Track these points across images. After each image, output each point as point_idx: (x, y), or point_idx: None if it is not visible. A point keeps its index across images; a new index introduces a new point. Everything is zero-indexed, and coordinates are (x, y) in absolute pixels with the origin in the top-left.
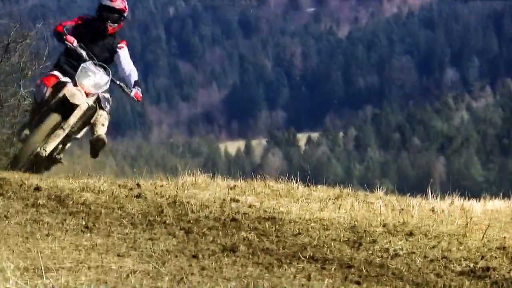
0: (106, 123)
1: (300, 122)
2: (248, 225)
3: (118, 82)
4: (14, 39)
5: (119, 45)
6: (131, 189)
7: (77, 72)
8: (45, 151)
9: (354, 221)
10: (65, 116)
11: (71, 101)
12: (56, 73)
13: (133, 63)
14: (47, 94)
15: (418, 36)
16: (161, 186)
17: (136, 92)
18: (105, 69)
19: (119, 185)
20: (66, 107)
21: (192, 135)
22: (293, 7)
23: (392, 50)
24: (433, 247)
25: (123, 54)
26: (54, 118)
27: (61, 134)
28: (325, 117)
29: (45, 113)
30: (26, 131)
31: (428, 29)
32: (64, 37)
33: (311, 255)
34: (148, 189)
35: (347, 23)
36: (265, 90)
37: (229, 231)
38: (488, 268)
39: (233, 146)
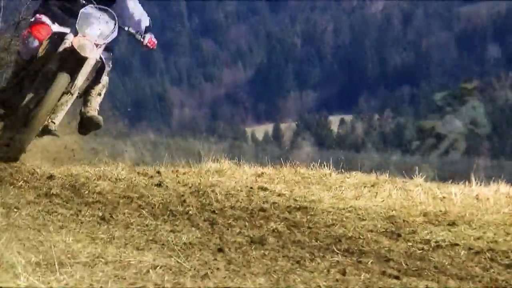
0: (104, 91)
1: (332, 103)
2: (278, 215)
3: (127, 28)
4: (24, 17)
5: None
6: (151, 177)
7: (78, 21)
8: (54, 123)
9: (392, 210)
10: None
11: (82, 53)
12: (45, 20)
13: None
14: (40, 50)
15: (457, 10)
16: (184, 173)
17: (150, 38)
18: (108, 13)
19: (138, 173)
20: (71, 63)
21: (217, 118)
22: None
23: (429, 26)
24: (478, 238)
25: None
26: (64, 80)
27: (69, 101)
28: (359, 98)
29: (48, 74)
30: (27, 100)
31: (468, 2)
32: None
33: (346, 247)
34: (169, 177)
35: None
36: (294, 70)
37: (257, 222)
38: None
39: (260, 130)
